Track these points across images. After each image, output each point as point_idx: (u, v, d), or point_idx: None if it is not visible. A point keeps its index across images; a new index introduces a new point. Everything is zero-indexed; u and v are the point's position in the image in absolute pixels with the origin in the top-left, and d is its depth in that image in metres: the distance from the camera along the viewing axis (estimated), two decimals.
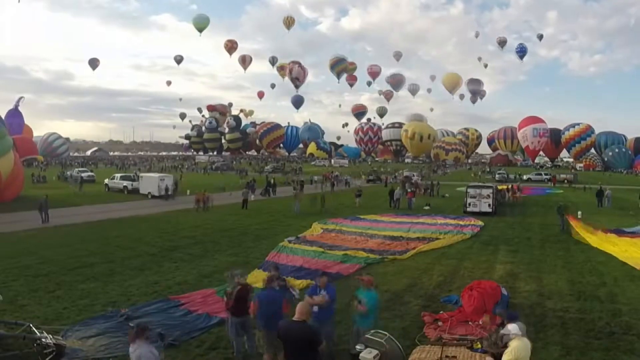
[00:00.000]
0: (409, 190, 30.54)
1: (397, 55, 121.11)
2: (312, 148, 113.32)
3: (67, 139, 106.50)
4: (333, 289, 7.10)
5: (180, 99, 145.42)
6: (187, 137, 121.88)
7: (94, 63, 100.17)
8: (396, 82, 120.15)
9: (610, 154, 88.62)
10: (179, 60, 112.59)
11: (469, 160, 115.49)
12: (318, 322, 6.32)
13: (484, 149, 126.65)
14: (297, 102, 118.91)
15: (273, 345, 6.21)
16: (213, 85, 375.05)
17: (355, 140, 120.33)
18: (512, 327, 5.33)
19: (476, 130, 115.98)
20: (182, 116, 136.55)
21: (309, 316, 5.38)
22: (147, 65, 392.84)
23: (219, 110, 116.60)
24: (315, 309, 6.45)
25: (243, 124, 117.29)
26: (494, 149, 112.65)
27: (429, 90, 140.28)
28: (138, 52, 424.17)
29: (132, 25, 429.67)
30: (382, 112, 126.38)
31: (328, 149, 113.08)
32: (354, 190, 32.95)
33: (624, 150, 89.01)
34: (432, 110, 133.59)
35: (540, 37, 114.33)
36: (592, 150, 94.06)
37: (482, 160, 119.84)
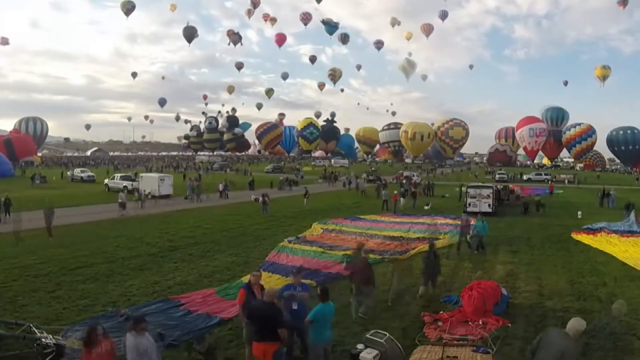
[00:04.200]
0: (403, 190, 30.70)
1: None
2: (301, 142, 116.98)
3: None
4: (308, 286, 7.67)
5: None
6: (186, 137, 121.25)
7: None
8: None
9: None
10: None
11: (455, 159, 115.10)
12: (295, 318, 6.71)
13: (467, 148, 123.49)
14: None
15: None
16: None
17: None
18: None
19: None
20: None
21: (275, 299, 6.23)
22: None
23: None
24: (295, 306, 6.86)
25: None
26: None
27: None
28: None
29: None
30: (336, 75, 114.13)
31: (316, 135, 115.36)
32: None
33: (630, 148, 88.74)
34: (392, 104, 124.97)
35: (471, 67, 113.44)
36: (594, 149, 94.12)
37: (475, 159, 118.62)
